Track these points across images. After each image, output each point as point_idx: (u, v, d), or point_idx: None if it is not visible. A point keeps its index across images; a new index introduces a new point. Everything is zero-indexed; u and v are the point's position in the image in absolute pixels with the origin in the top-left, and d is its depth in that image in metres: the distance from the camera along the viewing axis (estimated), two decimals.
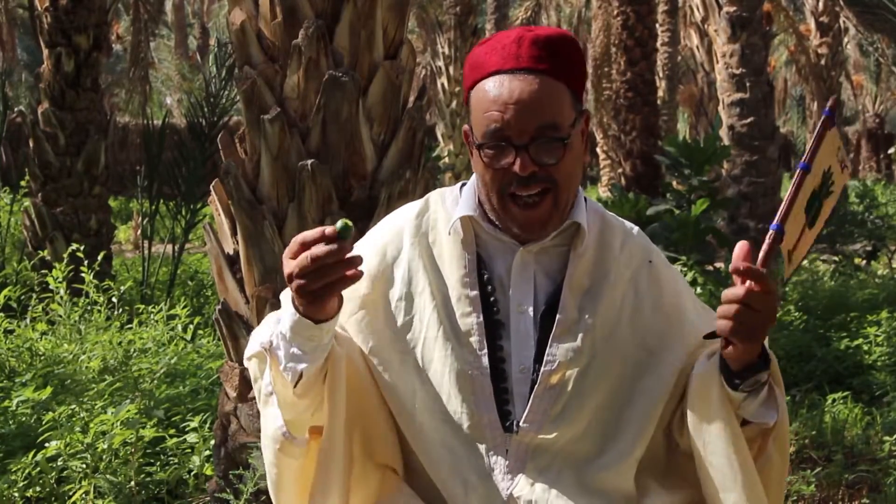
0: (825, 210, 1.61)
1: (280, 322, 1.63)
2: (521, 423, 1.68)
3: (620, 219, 1.83)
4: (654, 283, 1.78)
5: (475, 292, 1.72)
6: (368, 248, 1.79)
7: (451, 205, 1.79)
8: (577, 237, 1.74)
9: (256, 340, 1.71)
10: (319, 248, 1.50)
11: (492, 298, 1.72)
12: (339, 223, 1.49)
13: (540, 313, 1.72)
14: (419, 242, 1.77)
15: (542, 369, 1.69)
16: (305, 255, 1.51)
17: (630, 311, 1.74)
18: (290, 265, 1.53)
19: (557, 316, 1.71)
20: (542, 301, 1.73)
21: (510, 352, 1.71)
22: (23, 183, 8.06)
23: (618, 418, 1.71)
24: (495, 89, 1.64)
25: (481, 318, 1.71)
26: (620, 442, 1.71)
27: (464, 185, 1.82)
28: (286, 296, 1.62)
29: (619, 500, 1.72)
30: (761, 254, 1.59)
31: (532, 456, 1.69)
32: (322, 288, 1.53)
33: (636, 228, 1.82)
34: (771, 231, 1.58)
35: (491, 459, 1.69)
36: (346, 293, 1.72)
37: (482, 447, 1.69)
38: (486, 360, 1.69)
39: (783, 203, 1.58)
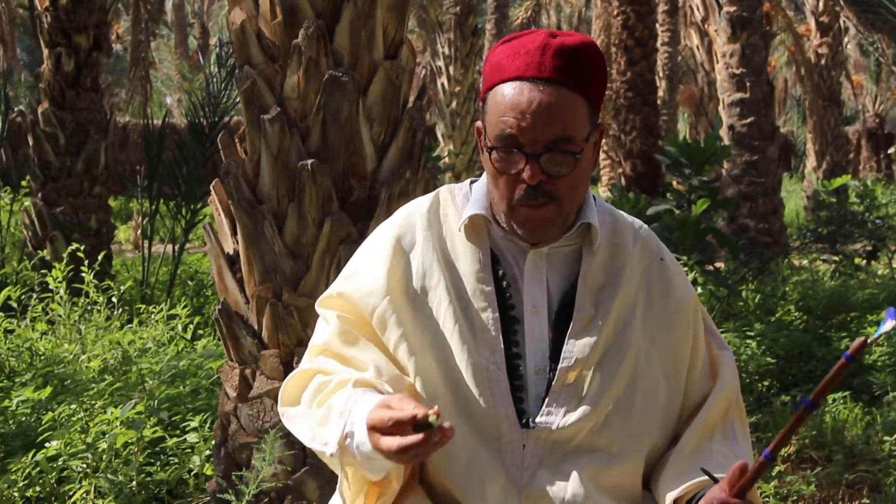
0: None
1: (357, 442, 1.61)
2: (537, 419, 1.69)
3: (630, 216, 1.84)
4: (664, 279, 1.79)
5: (490, 288, 1.72)
6: (382, 241, 1.79)
7: (461, 201, 1.79)
8: (589, 236, 1.75)
9: (329, 439, 1.67)
10: (407, 441, 1.52)
11: (507, 294, 1.73)
12: (431, 417, 1.51)
13: (555, 312, 1.73)
14: (432, 236, 1.77)
15: (560, 366, 1.70)
16: (394, 444, 1.53)
17: (643, 307, 1.76)
18: (384, 443, 1.54)
19: (574, 314, 1.72)
20: (556, 301, 1.74)
21: (524, 352, 1.72)
22: (23, 183, 8.06)
23: (633, 414, 1.72)
24: (514, 95, 1.64)
25: (497, 314, 1.71)
26: (634, 438, 1.73)
27: (473, 181, 1.82)
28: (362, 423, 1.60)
29: (629, 498, 1.73)
30: (748, 476, 1.58)
31: (549, 452, 1.70)
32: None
33: (645, 226, 1.84)
34: (762, 458, 1.56)
35: (508, 454, 1.70)
36: (366, 287, 1.74)
37: (499, 442, 1.70)
38: (501, 356, 1.70)
39: (782, 437, 1.55)
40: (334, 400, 1.68)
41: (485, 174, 1.77)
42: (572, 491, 1.68)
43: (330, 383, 1.72)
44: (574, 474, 1.69)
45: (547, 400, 1.70)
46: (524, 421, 1.69)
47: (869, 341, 1.48)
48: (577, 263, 1.75)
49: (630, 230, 1.80)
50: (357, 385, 1.67)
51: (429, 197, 1.83)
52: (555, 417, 1.69)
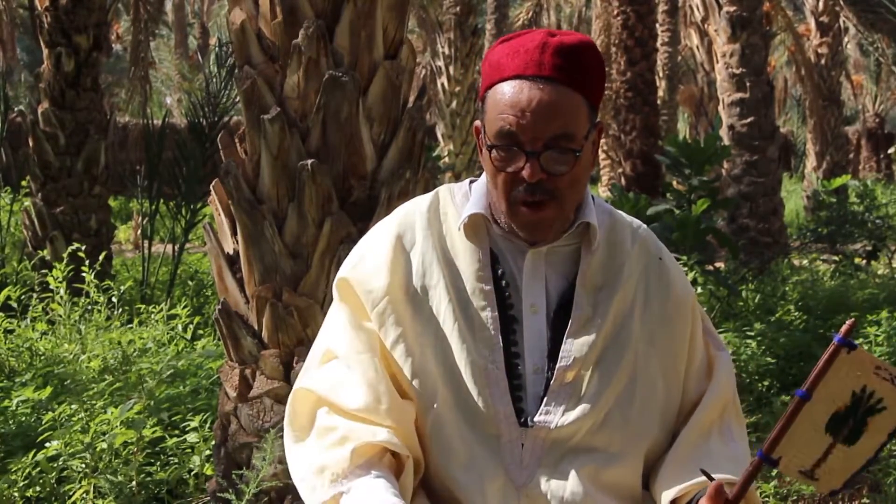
0: (875, 429, 1.53)
1: None
2: (536, 418, 1.69)
3: (628, 216, 1.85)
4: (663, 279, 1.80)
5: (489, 287, 1.73)
6: (383, 238, 1.79)
7: (460, 201, 1.80)
8: (588, 236, 1.75)
9: None
10: None
11: (506, 294, 1.73)
12: None
13: (553, 312, 1.73)
14: (432, 235, 1.77)
15: (558, 366, 1.70)
16: None
17: (641, 307, 1.76)
18: None
19: (573, 313, 1.72)
20: (554, 300, 1.74)
21: (523, 351, 1.72)
22: (23, 183, 8.06)
23: (631, 414, 1.73)
24: (514, 94, 1.64)
25: (496, 313, 1.72)
26: (633, 437, 1.73)
27: (472, 181, 1.82)
28: None
29: (629, 497, 1.73)
30: (738, 483, 1.55)
31: (548, 450, 1.70)
32: None
33: (644, 226, 1.84)
34: (755, 458, 1.53)
35: (507, 453, 1.70)
36: (367, 284, 1.74)
37: (498, 441, 1.70)
38: (500, 355, 1.70)
39: (774, 431, 1.52)
40: (334, 459, 1.68)
41: (484, 174, 1.77)
42: (571, 489, 1.68)
43: (335, 432, 1.70)
44: (573, 473, 1.69)
45: (545, 399, 1.70)
46: (523, 420, 1.70)
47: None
48: (575, 263, 1.75)
49: (629, 230, 1.81)
50: (359, 455, 1.66)
51: (428, 196, 1.83)
52: (553, 416, 1.69)
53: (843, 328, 1.47)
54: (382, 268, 1.75)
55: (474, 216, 1.74)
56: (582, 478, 1.69)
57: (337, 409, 1.72)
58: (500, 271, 1.74)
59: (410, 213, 1.81)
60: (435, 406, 1.71)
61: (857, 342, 1.49)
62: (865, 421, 1.52)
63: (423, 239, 1.77)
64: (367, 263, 1.78)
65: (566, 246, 1.76)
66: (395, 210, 1.85)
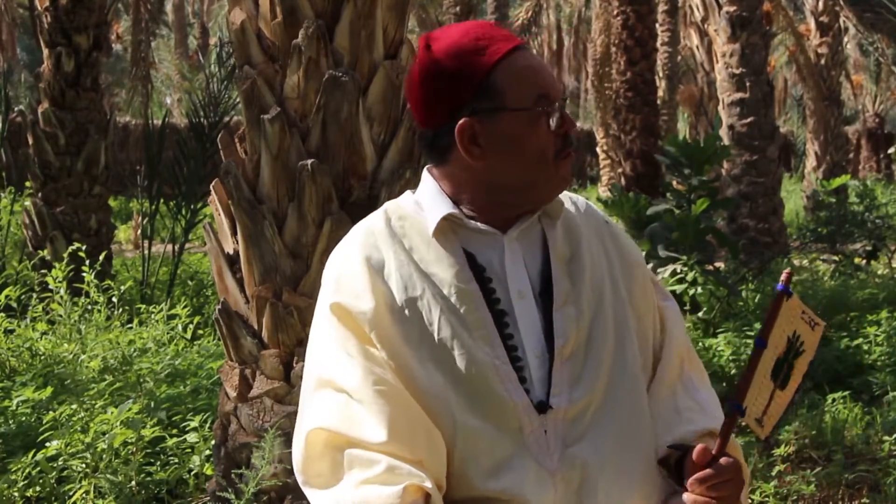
0: (798, 370, 1.65)
1: None
2: (551, 401, 1.70)
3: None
4: (616, 240, 1.86)
5: (473, 285, 1.73)
6: (352, 262, 1.75)
7: (413, 212, 1.78)
8: (546, 210, 1.79)
9: None
10: None
11: (490, 288, 1.74)
12: None
13: (538, 293, 1.75)
14: (400, 249, 1.75)
15: (556, 343, 1.72)
16: None
17: (607, 269, 1.81)
18: None
19: (555, 288, 1.75)
20: (536, 280, 1.76)
21: (521, 340, 1.73)
22: (27, 184, 8.07)
23: (628, 374, 1.76)
24: (527, 62, 1.74)
25: (486, 309, 1.72)
26: (637, 396, 1.77)
27: (412, 192, 1.83)
28: None
29: (651, 448, 1.76)
30: (720, 437, 1.63)
31: (571, 429, 1.71)
32: None
33: (581, 198, 1.91)
34: (732, 411, 1.62)
35: (532, 443, 1.70)
36: (353, 314, 1.71)
37: (521, 433, 1.70)
38: (502, 349, 1.71)
39: (741, 382, 1.61)
40: (380, 494, 1.63)
41: (426, 180, 1.78)
42: (600, 459, 1.70)
43: (378, 465, 1.64)
44: (597, 443, 1.71)
45: (553, 381, 1.71)
46: (538, 406, 1.70)
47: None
48: (540, 240, 1.79)
49: (569, 201, 1.87)
50: (410, 493, 1.61)
51: (378, 214, 1.81)
52: (565, 395, 1.71)
53: (783, 276, 1.57)
54: (363, 292, 1.71)
55: (441, 220, 1.74)
56: (607, 444, 1.71)
57: (364, 447, 1.67)
58: (478, 268, 1.75)
59: (368, 233, 1.78)
60: (452, 416, 1.70)
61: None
62: (793, 364, 1.63)
63: (394, 254, 1.74)
64: (346, 288, 1.74)
65: (531, 226, 1.79)
66: (348, 234, 1.81)
